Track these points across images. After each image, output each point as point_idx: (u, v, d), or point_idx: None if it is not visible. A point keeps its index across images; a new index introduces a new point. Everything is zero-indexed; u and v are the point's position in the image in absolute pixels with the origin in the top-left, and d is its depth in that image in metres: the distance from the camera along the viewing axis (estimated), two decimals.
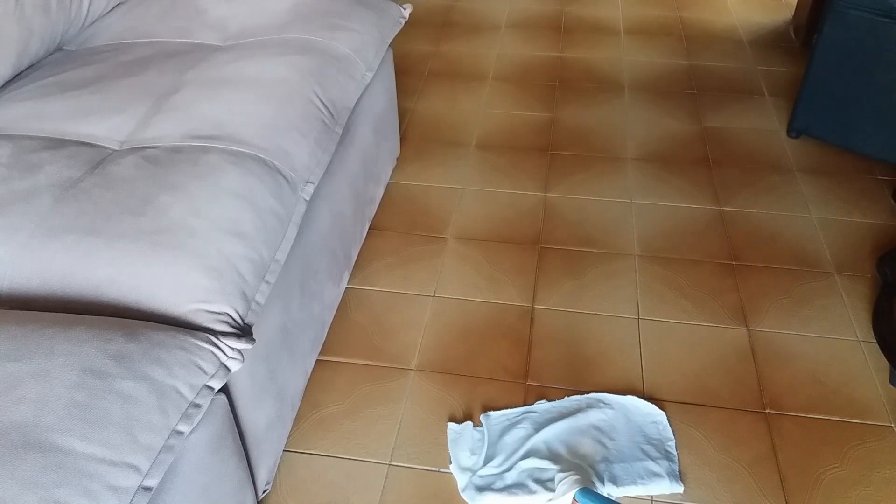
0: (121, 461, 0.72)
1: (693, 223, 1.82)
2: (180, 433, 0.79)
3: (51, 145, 1.14)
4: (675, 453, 1.26)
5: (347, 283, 1.62)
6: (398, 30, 1.73)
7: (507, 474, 1.22)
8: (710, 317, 1.55)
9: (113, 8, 1.65)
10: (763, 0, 3.07)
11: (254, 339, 0.94)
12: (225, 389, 0.98)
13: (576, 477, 1.16)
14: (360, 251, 1.72)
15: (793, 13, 2.90)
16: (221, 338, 0.89)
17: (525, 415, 1.33)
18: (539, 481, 1.20)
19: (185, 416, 0.80)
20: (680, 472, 1.24)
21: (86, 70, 1.37)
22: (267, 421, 1.13)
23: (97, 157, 1.12)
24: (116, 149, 1.17)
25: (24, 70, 1.40)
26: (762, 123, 2.22)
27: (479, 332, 1.52)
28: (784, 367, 1.43)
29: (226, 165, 1.11)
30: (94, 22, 1.59)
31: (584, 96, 2.38)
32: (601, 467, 1.23)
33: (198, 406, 0.82)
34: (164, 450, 0.76)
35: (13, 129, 1.20)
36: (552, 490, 1.18)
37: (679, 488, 1.21)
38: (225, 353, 0.89)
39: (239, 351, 0.91)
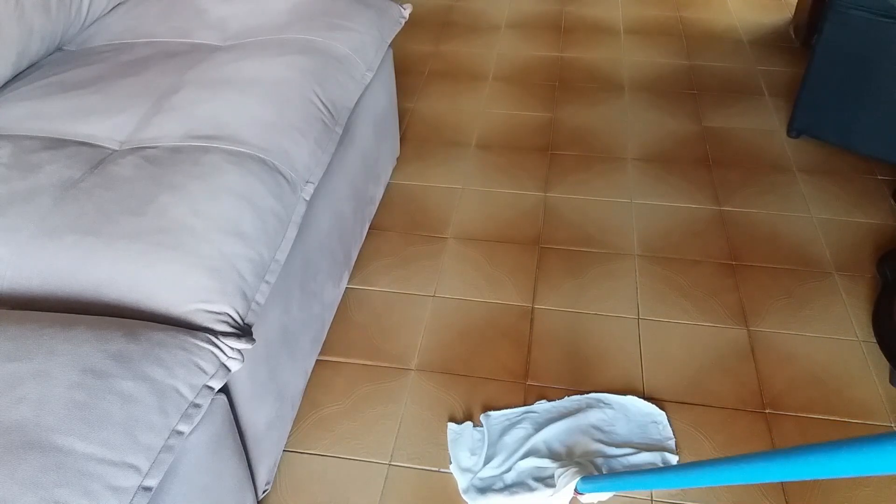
0: (121, 461, 0.72)
1: (693, 223, 1.82)
2: (180, 433, 0.79)
3: (51, 145, 1.14)
4: (675, 453, 1.26)
5: (347, 283, 1.62)
6: (398, 30, 1.73)
7: (507, 475, 1.22)
8: (710, 317, 1.55)
9: (113, 8, 1.65)
10: (763, 0, 3.07)
11: (254, 339, 0.95)
12: (225, 389, 0.98)
13: (575, 469, 1.16)
14: (360, 251, 1.72)
15: (793, 13, 2.90)
16: (221, 338, 0.89)
17: (525, 415, 1.33)
18: (540, 479, 1.20)
19: (185, 416, 0.80)
20: None
21: (86, 70, 1.37)
22: (267, 421, 1.13)
23: (97, 157, 1.12)
24: (116, 149, 1.17)
25: (24, 70, 1.40)
26: (762, 123, 2.22)
27: (479, 332, 1.52)
28: (784, 367, 1.43)
29: (226, 165, 1.11)
30: (95, 22, 1.59)
31: (584, 96, 2.38)
32: (600, 462, 1.23)
33: (198, 406, 0.82)
34: (164, 450, 0.76)
35: (13, 129, 1.19)
36: (553, 486, 1.18)
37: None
38: (225, 353, 0.89)
39: (239, 351, 0.91)
